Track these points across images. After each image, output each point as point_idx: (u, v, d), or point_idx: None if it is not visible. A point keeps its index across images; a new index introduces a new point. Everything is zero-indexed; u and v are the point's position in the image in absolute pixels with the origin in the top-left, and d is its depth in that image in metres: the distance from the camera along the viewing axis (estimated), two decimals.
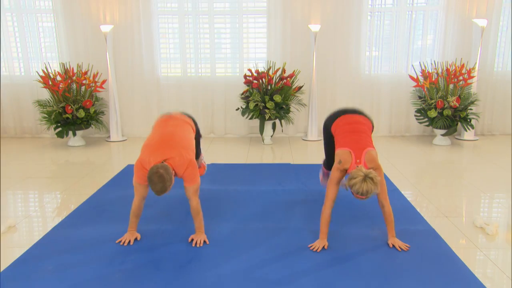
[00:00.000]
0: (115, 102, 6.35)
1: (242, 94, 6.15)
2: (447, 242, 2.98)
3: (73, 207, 3.73)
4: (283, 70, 5.97)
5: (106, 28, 6.12)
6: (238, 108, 6.24)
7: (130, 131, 6.69)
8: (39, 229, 3.34)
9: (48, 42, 6.50)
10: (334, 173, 2.94)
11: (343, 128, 3.14)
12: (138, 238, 3.05)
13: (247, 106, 6.01)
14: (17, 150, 5.93)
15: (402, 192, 4.02)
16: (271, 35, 6.34)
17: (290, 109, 6.15)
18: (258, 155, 5.61)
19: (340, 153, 2.99)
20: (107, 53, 6.20)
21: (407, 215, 3.48)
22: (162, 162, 2.79)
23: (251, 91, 6.02)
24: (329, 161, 3.48)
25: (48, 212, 3.68)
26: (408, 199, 3.86)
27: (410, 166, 5.03)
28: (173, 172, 2.83)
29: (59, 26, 6.33)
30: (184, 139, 3.03)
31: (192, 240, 3.01)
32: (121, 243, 2.99)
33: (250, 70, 6.01)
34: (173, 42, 6.51)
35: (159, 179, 2.66)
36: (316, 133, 6.44)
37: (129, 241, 3.01)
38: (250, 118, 6.08)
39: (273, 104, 5.85)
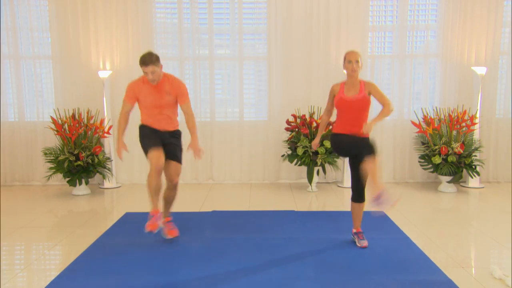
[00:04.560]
0: (111, 148, 6.20)
1: (287, 140, 6.00)
2: None
3: (72, 257, 3.50)
4: None
5: (104, 74, 6.09)
6: (284, 155, 6.04)
7: (125, 177, 6.48)
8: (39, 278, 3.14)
9: (45, 88, 6.42)
10: (328, 103, 3.74)
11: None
12: (126, 150, 3.65)
13: (293, 153, 5.83)
14: (18, 200, 5.72)
15: (412, 240, 3.83)
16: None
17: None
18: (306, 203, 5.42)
19: None
20: (104, 98, 6.14)
21: (422, 264, 3.29)
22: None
23: (298, 137, 5.87)
24: (356, 184, 3.62)
25: (46, 263, 3.47)
26: (419, 247, 3.66)
27: (417, 214, 4.85)
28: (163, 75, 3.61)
29: (57, 71, 6.30)
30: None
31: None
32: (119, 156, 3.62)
33: (294, 116, 5.96)
34: None
35: (149, 52, 3.50)
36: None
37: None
38: (300, 165, 5.89)
39: (324, 149, 5.71)
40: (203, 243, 3.77)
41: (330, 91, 3.70)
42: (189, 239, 3.85)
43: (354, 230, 3.79)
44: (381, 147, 6.51)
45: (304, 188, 6.14)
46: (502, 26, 6.25)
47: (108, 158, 6.03)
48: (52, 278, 3.09)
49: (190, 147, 3.64)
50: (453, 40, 6.29)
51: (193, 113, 3.76)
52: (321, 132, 3.92)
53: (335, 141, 3.64)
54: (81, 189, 5.83)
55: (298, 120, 5.95)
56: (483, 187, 6.15)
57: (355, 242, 3.77)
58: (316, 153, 5.70)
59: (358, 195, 3.63)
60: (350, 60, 3.50)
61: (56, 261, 3.54)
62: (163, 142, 3.68)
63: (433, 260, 3.37)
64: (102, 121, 5.93)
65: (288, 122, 5.98)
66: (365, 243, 3.68)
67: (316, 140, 3.91)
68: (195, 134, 3.69)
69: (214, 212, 4.82)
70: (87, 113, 6.01)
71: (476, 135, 6.06)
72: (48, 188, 6.25)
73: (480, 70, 6.05)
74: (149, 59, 3.42)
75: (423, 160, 6.01)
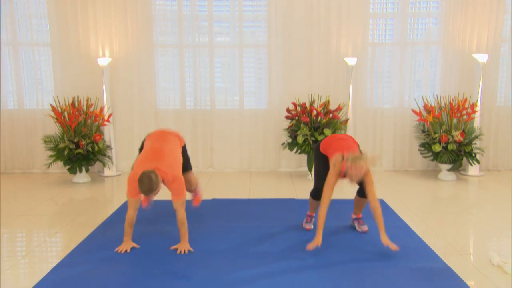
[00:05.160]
0: (111, 136, 6.19)
1: (287, 128, 5.99)
2: (466, 281, 2.79)
3: (73, 245, 3.52)
4: (328, 103, 5.92)
5: (103, 62, 6.05)
6: (284, 143, 6.02)
7: (125, 165, 6.47)
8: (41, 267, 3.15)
9: (44, 76, 6.39)
10: (330, 178, 3.30)
11: (333, 142, 3.54)
12: (136, 246, 3.34)
13: (293, 141, 5.83)
14: (19, 187, 5.73)
15: (411, 228, 3.84)
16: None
17: None
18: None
19: (334, 157, 3.31)
20: (103, 86, 6.11)
21: (421, 252, 3.31)
22: (153, 169, 3.13)
23: (298, 125, 5.86)
24: (318, 186, 3.55)
25: (48, 250, 3.48)
26: (418, 235, 3.68)
27: (417, 202, 4.86)
28: (161, 180, 3.18)
29: (56, 59, 6.26)
30: (172, 155, 3.41)
31: (177, 249, 3.28)
32: (119, 251, 3.27)
33: (294, 104, 5.93)
34: (171, 74, 6.43)
35: (148, 179, 3.04)
36: None
37: (126, 250, 3.30)
38: (300, 153, 5.88)
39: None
40: (203, 230, 3.79)
41: (335, 167, 3.29)
42: (189, 227, 3.83)
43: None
44: (381, 135, 6.52)
45: (304, 176, 6.15)
46: (504, 13, 6.19)
47: (108, 146, 6.03)
48: (53, 265, 3.11)
49: (177, 247, 3.33)
50: (454, 27, 6.24)
51: (185, 217, 3.30)
52: (322, 227, 3.26)
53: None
54: (82, 177, 5.84)
55: (298, 109, 5.94)
56: (483, 175, 6.16)
57: (354, 227, 3.79)
58: (316, 141, 5.70)
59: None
60: (352, 178, 3.20)
61: (57, 248, 3.56)
62: None
63: (432, 247, 3.39)
64: (101, 109, 5.92)
65: (288, 110, 5.96)
66: (365, 227, 3.72)
67: (319, 239, 3.23)
68: (186, 238, 3.35)
69: (214, 200, 4.84)
70: (87, 101, 5.98)
71: (477, 123, 6.04)
72: (49, 175, 6.26)
73: (482, 58, 6.01)
74: (149, 191, 3.09)
75: (423, 148, 6.01)
